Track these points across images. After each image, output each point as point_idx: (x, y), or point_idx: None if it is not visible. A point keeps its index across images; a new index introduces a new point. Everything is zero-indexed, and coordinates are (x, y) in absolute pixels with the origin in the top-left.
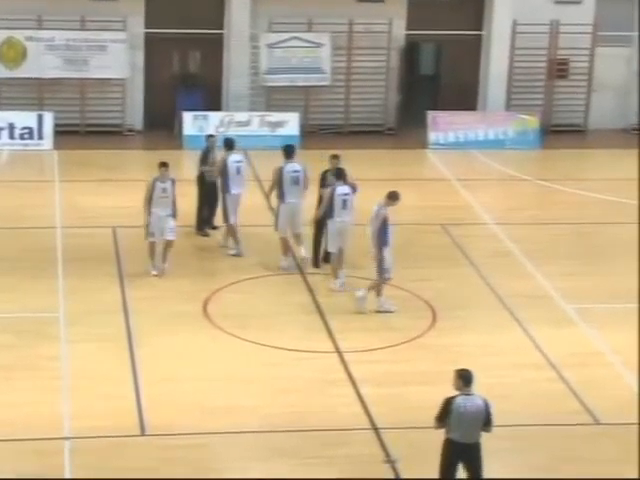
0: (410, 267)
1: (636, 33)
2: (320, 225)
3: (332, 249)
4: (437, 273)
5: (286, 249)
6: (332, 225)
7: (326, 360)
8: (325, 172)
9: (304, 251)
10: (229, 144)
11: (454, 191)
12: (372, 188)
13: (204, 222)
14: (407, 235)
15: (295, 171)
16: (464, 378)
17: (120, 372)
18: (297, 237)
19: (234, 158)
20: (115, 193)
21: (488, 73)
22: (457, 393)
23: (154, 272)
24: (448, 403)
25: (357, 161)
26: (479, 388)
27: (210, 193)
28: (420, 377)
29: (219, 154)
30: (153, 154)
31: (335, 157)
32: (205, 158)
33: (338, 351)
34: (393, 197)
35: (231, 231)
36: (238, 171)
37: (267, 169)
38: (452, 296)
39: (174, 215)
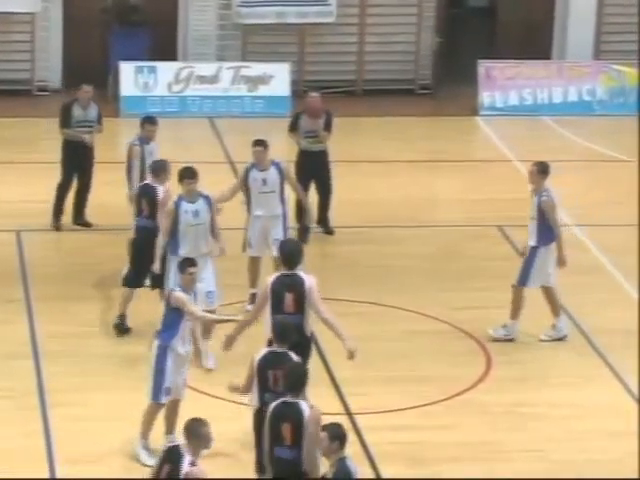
0: (454, 289)
1: None
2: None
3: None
4: (492, 297)
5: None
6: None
7: None
8: (298, 114)
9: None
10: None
11: (517, 177)
12: (399, 173)
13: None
14: (450, 242)
15: None
16: (341, 438)
17: (27, 443)
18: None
19: None
20: (20, 181)
21: (568, 5)
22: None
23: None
24: None
25: (376, 133)
26: (553, 465)
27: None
28: (469, 451)
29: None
30: None
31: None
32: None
33: (348, 412)
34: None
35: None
36: None
37: (245, 148)
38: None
39: None
